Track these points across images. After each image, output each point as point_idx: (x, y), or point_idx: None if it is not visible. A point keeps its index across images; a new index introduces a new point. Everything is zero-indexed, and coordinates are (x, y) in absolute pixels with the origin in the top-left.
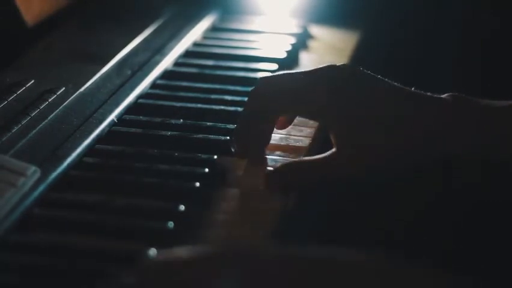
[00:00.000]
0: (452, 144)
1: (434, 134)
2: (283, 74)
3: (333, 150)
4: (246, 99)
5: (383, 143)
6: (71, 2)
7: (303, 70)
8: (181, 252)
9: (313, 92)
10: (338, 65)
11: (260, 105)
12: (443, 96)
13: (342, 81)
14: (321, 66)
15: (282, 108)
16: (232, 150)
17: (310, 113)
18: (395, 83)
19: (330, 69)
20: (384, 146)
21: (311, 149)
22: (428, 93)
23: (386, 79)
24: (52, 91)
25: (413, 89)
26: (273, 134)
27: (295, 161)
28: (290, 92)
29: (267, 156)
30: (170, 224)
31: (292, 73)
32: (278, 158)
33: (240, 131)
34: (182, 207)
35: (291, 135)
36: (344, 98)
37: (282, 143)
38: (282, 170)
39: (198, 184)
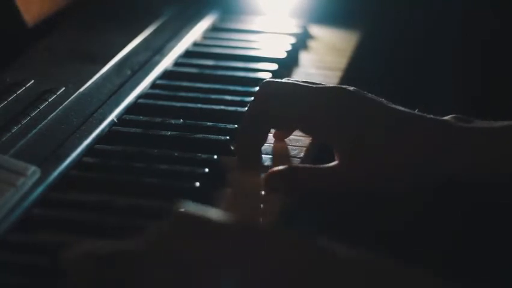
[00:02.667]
0: (452, 165)
1: (432, 156)
2: (289, 82)
3: (335, 162)
4: (245, 99)
5: (382, 162)
6: (71, 2)
7: (306, 82)
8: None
9: (322, 106)
10: (344, 86)
11: (263, 109)
12: (445, 118)
13: (351, 102)
14: (327, 85)
15: (284, 116)
16: (233, 149)
17: (312, 127)
18: (401, 107)
19: (340, 89)
20: (383, 166)
21: (311, 149)
22: (431, 116)
23: (389, 103)
24: (52, 91)
25: (416, 111)
26: (268, 144)
27: (297, 166)
28: (297, 101)
29: (267, 156)
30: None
31: (298, 84)
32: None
33: (242, 132)
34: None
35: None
36: (352, 118)
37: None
38: (283, 173)
39: (197, 184)
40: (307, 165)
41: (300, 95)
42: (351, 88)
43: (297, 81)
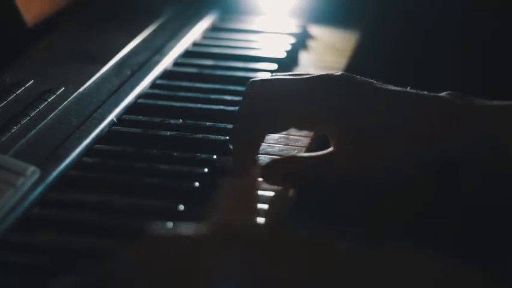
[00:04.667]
0: (452, 143)
1: (434, 133)
2: (275, 78)
3: (332, 149)
4: None
5: (382, 143)
6: (71, 2)
7: (292, 74)
8: (186, 229)
9: (313, 95)
10: (334, 72)
11: (255, 110)
12: (441, 94)
13: (341, 85)
14: (314, 74)
15: (277, 110)
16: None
17: (306, 117)
18: (392, 86)
19: (328, 75)
20: (383, 146)
21: (310, 149)
22: (425, 92)
23: (382, 83)
24: (52, 91)
25: (409, 88)
26: (268, 144)
27: (293, 155)
28: (286, 95)
29: (266, 156)
30: (170, 224)
31: (285, 78)
32: (276, 157)
33: (237, 136)
34: (182, 207)
35: (290, 135)
36: (344, 101)
37: (281, 143)
38: (279, 162)
39: (197, 184)
40: (305, 154)
41: (290, 89)
42: (339, 73)
43: (283, 75)
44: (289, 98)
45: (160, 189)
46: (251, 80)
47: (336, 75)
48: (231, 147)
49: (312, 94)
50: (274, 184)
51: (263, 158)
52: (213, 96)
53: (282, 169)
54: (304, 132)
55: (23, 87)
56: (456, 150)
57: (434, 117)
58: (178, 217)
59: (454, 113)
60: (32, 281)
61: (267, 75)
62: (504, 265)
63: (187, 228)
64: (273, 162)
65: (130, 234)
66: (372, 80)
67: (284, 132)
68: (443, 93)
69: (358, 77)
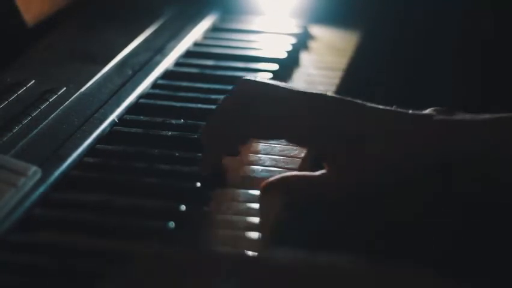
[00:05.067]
0: (443, 155)
1: (424, 150)
2: (272, 84)
3: (327, 170)
4: None
5: (374, 156)
6: (71, 2)
7: (287, 86)
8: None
9: (308, 115)
10: (325, 94)
11: (241, 111)
12: (426, 111)
13: (331, 106)
14: (310, 91)
15: (269, 122)
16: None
17: (300, 135)
18: (379, 106)
19: (321, 96)
20: (375, 160)
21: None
22: (411, 111)
23: (369, 104)
24: (53, 91)
25: (394, 107)
26: (268, 144)
27: (289, 175)
28: (282, 108)
29: (267, 156)
30: (171, 224)
31: (282, 88)
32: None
33: (213, 129)
34: (182, 207)
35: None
36: (335, 120)
37: (282, 143)
38: (276, 183)
39: (198, 184)
40: (300, 173)
41: (286, 99)
42: (332, 95)
43: (278, 83)
44: (286, 111)
45: (161, 189)
46: (243, 78)
47: (332, 98)
48: (202, 141)
49: (309, 112)
50: (271, 204)
51: (264, 158)
52: (213, 97)
53: (278, 190)
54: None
55: (24, 87)
56: (447, 160)
57: (421, 135)
58: (179, 217)
59: (438, 129)
60: (33, 281)
61: (264, 76)
62: (504, 265)
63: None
64: (268, 183)
65: (130, 235)
66: (365, 103)
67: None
68: (428, 110)
69: (349, 100)
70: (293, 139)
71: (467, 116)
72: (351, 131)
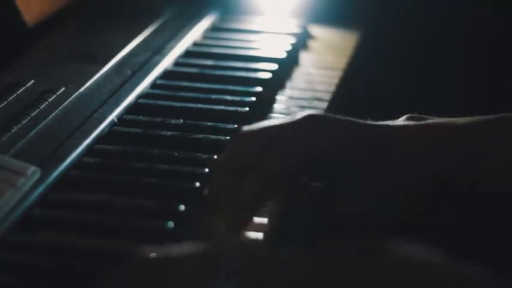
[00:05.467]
0: (432, 164)
1: (414, 158)
2: (262, 127)
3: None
4: (246, 99)
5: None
6: (71, 2)
7: (276, 122)
8: (176, 250)
9: (303, 139)
10: (315, 114)
11: (247, 162)
12: (399, 120)
13: (322, 126)
14: (295, 118)
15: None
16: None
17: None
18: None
19: (308, 119)
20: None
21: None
22: (388, 122)
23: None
24: (52, 91)
25: (369, 119)
26: None
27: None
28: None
29: None
30: (170, 224)
31: (271, 126)
32: None
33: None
34: (182, 207)
35: None
36: (329, 141)
37: None
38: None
39: (198, 184)
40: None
41: (282, 136)
42: (317, 115)
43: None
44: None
45: (160, 190)
46: (240, 131)
47: (315, 118)
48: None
49: (302, 138)
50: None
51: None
52: (213, 96)
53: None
54: None
55: (24, 87)
56: (434, 170)
57: (406, 144)
58: (178, 217)
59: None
60: (32, 281)
61: (268, 76)
62: (504, 265)
63: (179, 249)
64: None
65: (130, 234)
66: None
67: None
68: (402, 118)
69: (330, 115)
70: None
71: (446, 120)
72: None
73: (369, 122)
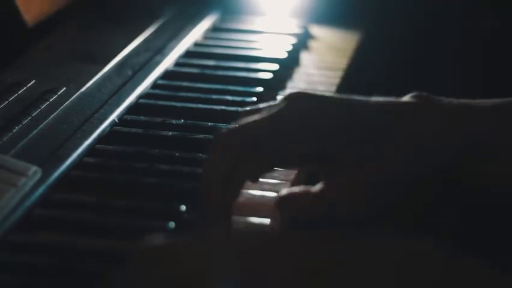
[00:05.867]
0: (437, 150)
1: (420, 140)
2: (246, 124)
3: (323, 184)
4: (246, 99)
5: (372, 162)
6: (71, 2)
7: (261, 113)
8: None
9: (292, 128)
10: (295, 93)
11: (233, 161)
12: (405, 98)
13: (310, 106)
14: (277, 103)
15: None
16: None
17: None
18: (356, 96)
19: (293, 102)
20: (373, 167)
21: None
22: (392, 99)
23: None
24: (53, 91)
25: (373, 97)
26: None
27: (292, 193)
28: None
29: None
30: (171, 224)
31: (255, 120)
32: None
33: (211, 194)
34: (182, 207)
35: None
36: (318, 123)
37: None
38: (288, 198)
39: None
40: (299, 189)
41: (269, 130)
42: (301, 93)
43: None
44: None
45: (161, 190)
46: (216, 134)
47: (299, 97)
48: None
49: (291, 127)
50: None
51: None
52: (214, 97)
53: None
54: None
55: (24, 87)
56: (447, 153)
57: (417, 126)
58: (179, 218)
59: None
60: (32, 281)
61: (268, 76)
62: (504, 265)
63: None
64: (282, 199)
65: (130, 234)
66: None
67: None
68: (408, 96)
69: (318, 93)
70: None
71: (455, 101)
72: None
73: (365, 98)
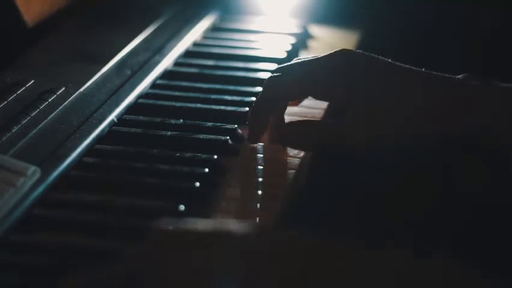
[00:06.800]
0: (464, 123)
1: (442, 113)
2: (297, 62)
3: (346, 120)
4: (246, 99)
5: (388, 117)
6: (71, 2)
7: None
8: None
9: (333, 74)
10: (350, 50)
11: (274, 94)
12: (456, 76)
13: (353, 63)
14: (334, 51)
15: (297, 89)
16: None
17: (327, 95)
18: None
19: (345, 53)
20: (394, 120)
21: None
22: (438, 73)
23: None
24: (52, 91)
25: (423, 69)
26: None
27: (310, 120)
28: (308, 77)
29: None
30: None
31: (306, 60)
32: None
33: (254, 119)
34: (182, 207)
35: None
36: (360, 80)
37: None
38: (296, 124)
39: (198, 184)
40: (317, 120)
41: (314, 65)
42: (351, 52)
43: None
44: (308, 78)
45: (160, 190)
46: (270, 76)
47: (348, 55)
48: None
49: (329, 73)
50: (286, 144)
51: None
52: (213, 96)
53: (298, 131)
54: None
55: (24, 87)
56: (469, 131)
57: (442, 98)
58: (178, 217)
59: (465, 94)
60: (32, 281)
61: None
62: (504, 265)
63: (190, 225)
64: (291, 123)
65: (130, 234)
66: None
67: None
68: (460, 76)
69: (368, 54)
70: (319, 97)
71: (497, 83)
72: (369, 90)
73: (413, 68)
